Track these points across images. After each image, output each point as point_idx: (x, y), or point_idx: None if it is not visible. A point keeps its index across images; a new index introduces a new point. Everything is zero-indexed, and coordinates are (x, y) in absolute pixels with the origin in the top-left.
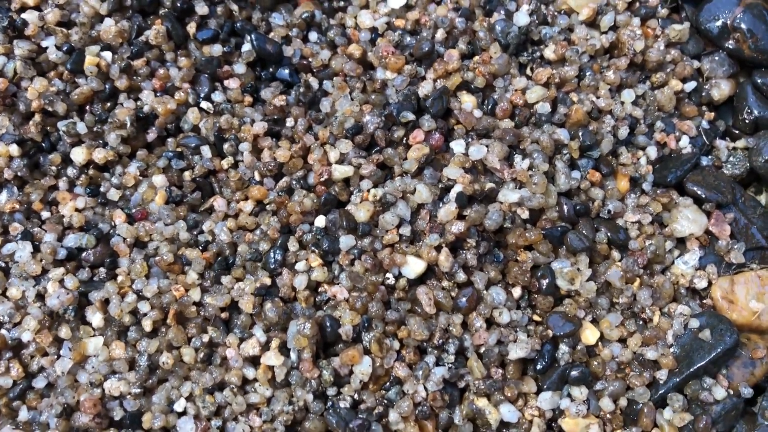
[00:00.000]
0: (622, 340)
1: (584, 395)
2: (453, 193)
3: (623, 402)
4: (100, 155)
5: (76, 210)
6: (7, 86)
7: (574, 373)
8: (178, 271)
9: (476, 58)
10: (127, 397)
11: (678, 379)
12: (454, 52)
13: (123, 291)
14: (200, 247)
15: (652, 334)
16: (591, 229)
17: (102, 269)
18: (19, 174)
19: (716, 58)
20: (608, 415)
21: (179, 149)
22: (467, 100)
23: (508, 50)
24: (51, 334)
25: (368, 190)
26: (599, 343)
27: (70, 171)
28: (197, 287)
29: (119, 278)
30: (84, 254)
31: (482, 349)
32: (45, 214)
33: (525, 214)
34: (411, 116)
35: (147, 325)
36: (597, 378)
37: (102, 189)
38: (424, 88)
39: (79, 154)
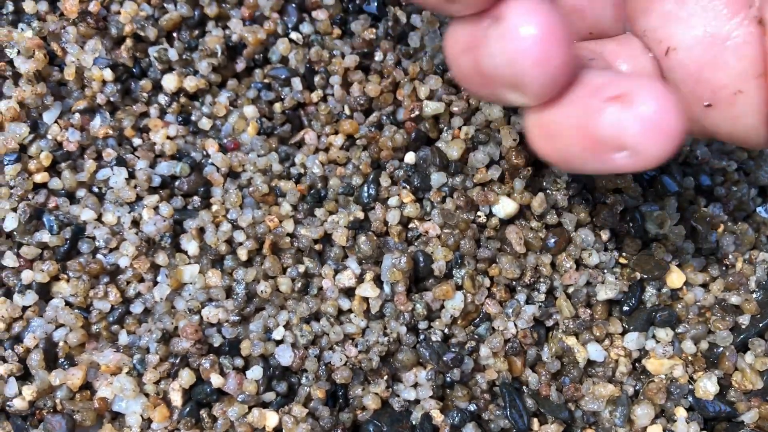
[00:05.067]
0: (705, 285)
1: (670, 337)
2: None
3: (704, 345)
4: (191, 83)
5: (168, 138)
6: (99, 9)
7: (661, 315)
8: (271, 202)
9: None
10: (225, 324)
11: (761, 325)
12: None
13: (217, 220)
14: (293, 180)
15: (734, 280)
16: (680, 174)
17: (196, 198)
18: (111, 99)
19: None
20: (690, 358)
21: (266, 80)
22: None
23: None
24: (148, 261)
25: (459, 128)
26: (683, 287)
27: (161, 98)
28: (291, 219)
29: (214, 207)
30: (177, 182)
31: (571, 290)
32: (136, 141)
33: None
34: None
35: (243, 254)
36: (680, 321)
37: (193, 118)
38: None
39: (170, 81)
